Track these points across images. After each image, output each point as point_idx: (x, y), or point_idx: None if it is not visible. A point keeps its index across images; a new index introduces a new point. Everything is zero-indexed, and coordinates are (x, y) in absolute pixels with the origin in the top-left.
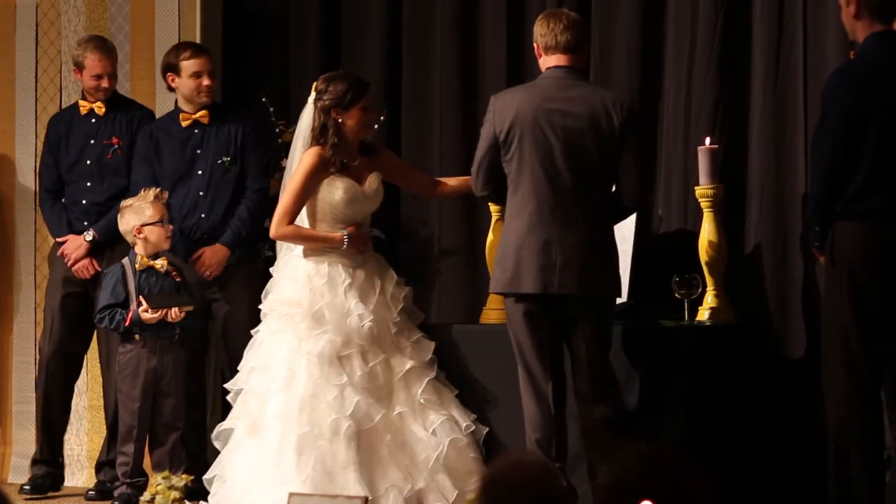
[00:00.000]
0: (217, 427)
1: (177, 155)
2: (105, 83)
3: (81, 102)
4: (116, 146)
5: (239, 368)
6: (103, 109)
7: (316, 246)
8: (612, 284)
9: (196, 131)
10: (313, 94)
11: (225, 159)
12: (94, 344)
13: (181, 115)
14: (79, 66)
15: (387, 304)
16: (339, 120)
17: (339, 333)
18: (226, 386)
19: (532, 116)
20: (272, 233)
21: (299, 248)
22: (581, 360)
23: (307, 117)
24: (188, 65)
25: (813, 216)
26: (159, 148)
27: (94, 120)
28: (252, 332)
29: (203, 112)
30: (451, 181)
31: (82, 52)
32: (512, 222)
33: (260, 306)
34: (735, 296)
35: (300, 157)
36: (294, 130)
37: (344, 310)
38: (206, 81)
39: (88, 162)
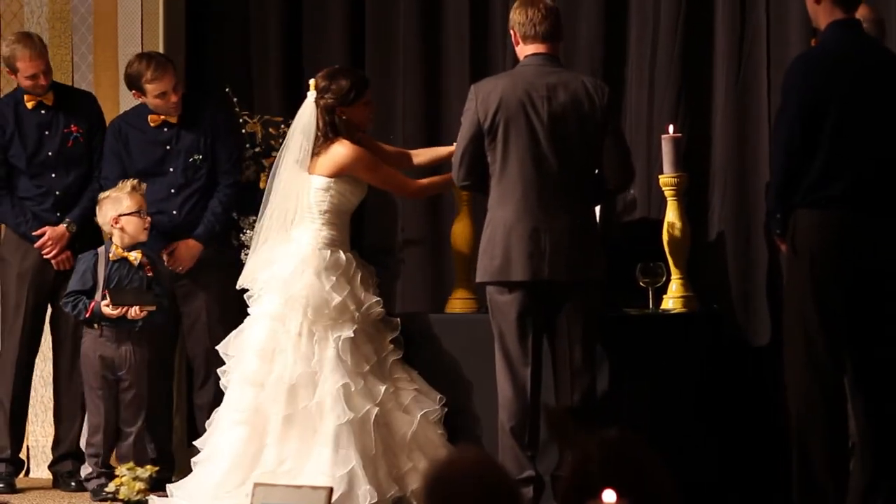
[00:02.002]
0: (215, 413)
1: (147, 152)
2: (42, 81)
3: (27, 96)
4: (77, 133)
5: (228, 353)
6: (52, 100)
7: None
8: (600, 268)
9: (166, 129)
10: (312, 91)
11: (196, 157)
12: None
13: (150, 116)
14: (11, 69)
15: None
16: (343, 117)
17: (357, 322)
18: (218, 371)
19: (516, 103)
20: (416, 196)
21: (305, 236)
22: (564, 349)
23: (308, 113)
24: (151, 88)
25: (774, 204)
26: (128, 144)
27: (44, 111)
28: (250, 312)
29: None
30: (422, 155)
31: (12, 55)
32: (497, 210)
33: (257, 289)
34: (699, 284)
35: (345, 154)
36: (258, 120)
37: (360, 298)
38: (172, 99)
39: (50, 153)
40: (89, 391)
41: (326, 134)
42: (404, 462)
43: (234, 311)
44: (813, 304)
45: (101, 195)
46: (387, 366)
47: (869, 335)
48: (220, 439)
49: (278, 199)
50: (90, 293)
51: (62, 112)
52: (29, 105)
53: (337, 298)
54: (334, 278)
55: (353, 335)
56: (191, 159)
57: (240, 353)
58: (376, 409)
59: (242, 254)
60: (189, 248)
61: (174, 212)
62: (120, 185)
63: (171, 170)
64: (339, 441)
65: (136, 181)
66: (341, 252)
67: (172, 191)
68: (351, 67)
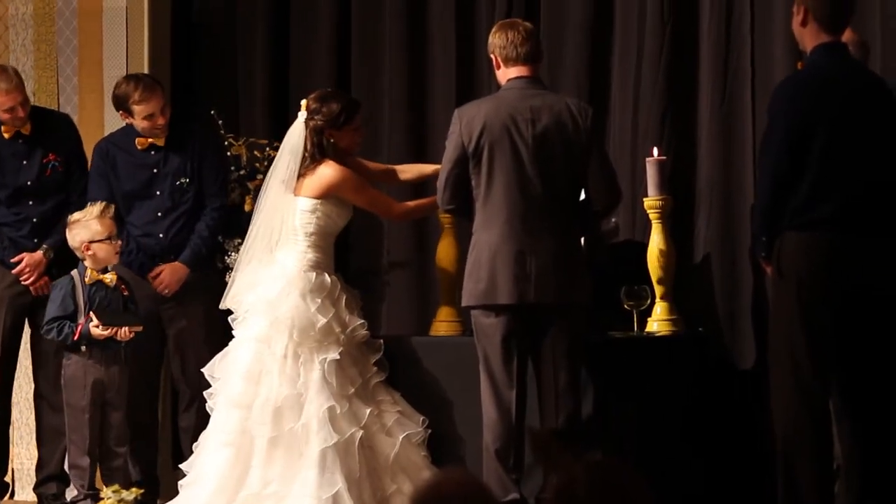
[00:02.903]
0: (201, 435)
1: (134, 175)
2: (20, 113)
3: (3, 127)
4: (56, 162)
5: (214, 375)
6: (29, 129)
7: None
8: (585, 291)
9: (153, 153)
10: (303, 112)
11: (183, 181)
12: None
13: (137, 140)
14: None
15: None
16: (332, 140)
17: (343, 344)
18: (205, 393)
19: (500, 126)
20: (402, 218)
21: (290, 259)
22: (549, 371)
23: (297, 134)
24: (140, 109)
25: (759, 227)
26: (116, 166)
27: (21, 141)
28: (237, 336)
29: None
30: (408, 172)
31: None
32: (483, 234)
33: (242, 312)
34: (684, 306)
35: (331, 175)
36: (243, 143)
37: (345, 320)
38: (160, 121)
39: (29, 182)
40: (77, 414)
41: (314, 155)
42: (388, 484)
43: (219, 333)
44: (800, 327)
45: (71, 218)
46: (370, 388)
47: (856, 357)
48: (206, 461)
49: (263, 219)
50: (71, 318)
51: (40, 141)
52: (6, 135)
53: (322, 321)
54: (319, 300)
55: (338, 357)
56: (178, 182)
57: (225, 375)
58: (361, 432)
59: (228, 276)
60: (175, 271)
61: (161, 235)
62: (88, 208)
63: (158, 193)
64: (325, 463)
65: (104, 205)
66: (326, 275)
67: (159, 214)
68: (343, 92)
